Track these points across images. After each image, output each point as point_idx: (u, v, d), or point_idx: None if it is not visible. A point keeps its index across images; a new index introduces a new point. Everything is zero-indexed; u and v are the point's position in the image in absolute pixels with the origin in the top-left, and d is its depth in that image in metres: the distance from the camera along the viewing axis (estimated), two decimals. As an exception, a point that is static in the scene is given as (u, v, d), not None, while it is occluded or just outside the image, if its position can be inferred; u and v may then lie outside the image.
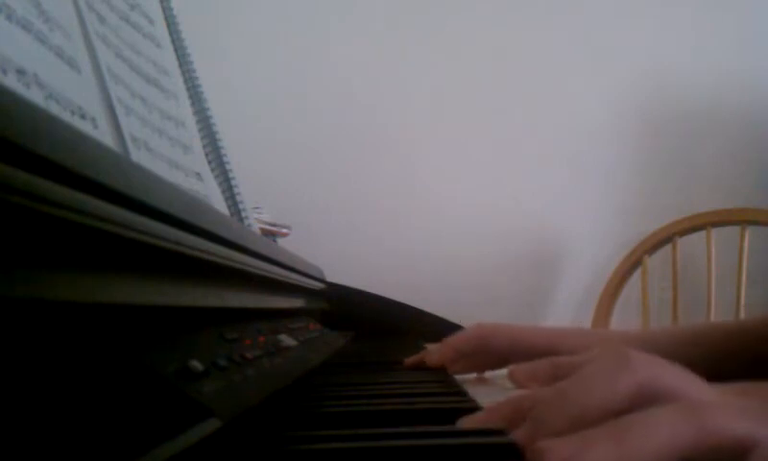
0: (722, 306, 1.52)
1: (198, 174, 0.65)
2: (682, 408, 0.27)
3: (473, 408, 0.38)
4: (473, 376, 0.71)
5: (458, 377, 0.66)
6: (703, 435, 0.26)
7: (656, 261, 1.61)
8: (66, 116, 0.39)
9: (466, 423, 0.35)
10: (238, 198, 0.79)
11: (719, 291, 1.53)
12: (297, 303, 0.79)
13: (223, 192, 0.77)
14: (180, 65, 0.73)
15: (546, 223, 1.73)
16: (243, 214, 0.79)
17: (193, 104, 0.74)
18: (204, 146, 0.75)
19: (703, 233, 1.56)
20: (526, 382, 0.52)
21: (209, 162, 0.75)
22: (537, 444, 0.26)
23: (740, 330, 0.63)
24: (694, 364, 0.32)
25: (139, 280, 0.31)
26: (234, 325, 0.47)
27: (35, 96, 0.36)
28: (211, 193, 0.68)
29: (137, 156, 0.50)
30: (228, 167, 0.78)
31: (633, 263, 1.61)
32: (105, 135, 0.45)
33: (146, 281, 0.32)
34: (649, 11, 1.73)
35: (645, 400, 0.29)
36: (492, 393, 0.58)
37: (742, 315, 1.50)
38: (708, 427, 0.26)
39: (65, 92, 0.40)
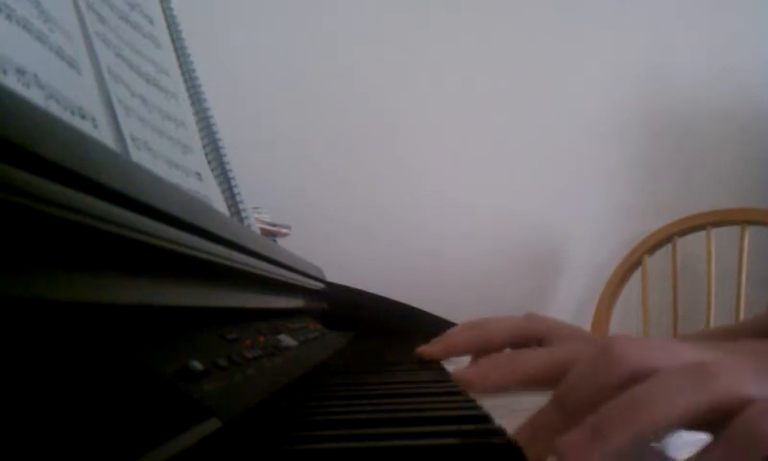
0: (722, 306, 1.52)
1: (198, 174, 0.65)
2: (691, 372, 0.26)
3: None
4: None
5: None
6: (712, 398, 0.25)
7: (656, 261, 1.61)
8: (66, 116, 0.39)
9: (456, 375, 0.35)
10: (238, 198, 0.79)
11: (719, 291, 1.53)
12: (297, 303, 0.79)
13: (223, 192, 0.77)
14: (180, 65, 0.73)
15: (546, 223, 1.73)
16: (243, 214, 0.79)
17: (193, 104, 0.74)
18: (204, 146, 0.75)
19: (703, 233, 1.56)
20: None
21: (209, 162, 0.75)
22: (556, 443, 0.26)
23: (727, 335, 0.62)
24: None
25: (139, 280, 0.31)
26: (234, 325, 0.47)
27: (35, 96, 0.36)
28: (211, 193, 0.68)
29: (137, 156, 0.50)
30: (227, 167, 0.78)
31: (633, 263, 1.61)
32: (105, 135, 0.45)
33: (146, 281, 0.32)
34: (649, 10, 1.73)
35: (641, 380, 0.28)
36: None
37: (742, 315, 1.50)
38: (721, 391, 0.25)
39: (65, 92, 0.40)
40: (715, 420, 0.26)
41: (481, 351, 0.68)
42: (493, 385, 0.34)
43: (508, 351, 0.68)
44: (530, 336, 0.66)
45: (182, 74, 0.73)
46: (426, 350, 0.71)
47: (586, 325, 1.64)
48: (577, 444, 0.25)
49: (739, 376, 0.26)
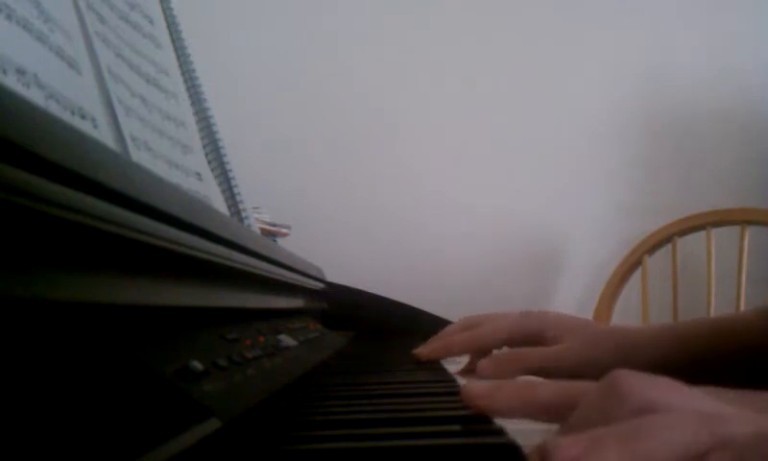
0: (722, 306, 1.52)
1: (198, 174, 0.65)
2: (699, 416, 0.27)
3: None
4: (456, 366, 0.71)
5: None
6: (712, 443, 0.26)
7: (656, 261, 1.61)
8: (66, 116, 0.39)
9: (466, 391, 0.35)
10: (238, 198, 0.79)
11: (719, 291, 1.53)
12: (297, 303, 0.79)
13: (223, 192, 0.77)
14: (180, 65, 0.73)
15: (546, 223, 1.73)
16: (243, 214, 0.79)
17: (193, 104, 0.74)
18: (204, 146, 0.75)
19: (703, 233, 1.56)
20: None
21: (209, 162, 0.75)
22: (545, 441, 0.26)
23: (723, 326, 0.62)
24: (680, 365, 0.31)
25: (139, 280, 0.31)
26: (234, 325, 0.47)
27: (35, 96, 0.36)
28: (211, 193, 0.68)
29: (137, 156, 0.50)
30: (227, 167, 0.78)
31: (633, 263, 1.61)
32: (105, 135, 0.45)
33: (146, 281, 0.32)
34: (649, 10, 1.73)
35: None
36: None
37: (742, 315, 1.49)
38: (718, 436, 0.26)
39: (65, 92, 0.40)
40: None
41: (478, 351, 0.68)
42: (498, 410, 0.34)
43: (505, 349, 0.67)
44: (527, 335, 0.66)
45: (182, 74, 0.73)
46: (423, 351, 0.71)
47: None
48: (571, 445, 0.25)
49: (742, 428, 0.26)
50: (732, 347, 0.59)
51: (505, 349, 0.68)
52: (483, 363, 0.62)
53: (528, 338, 0.66)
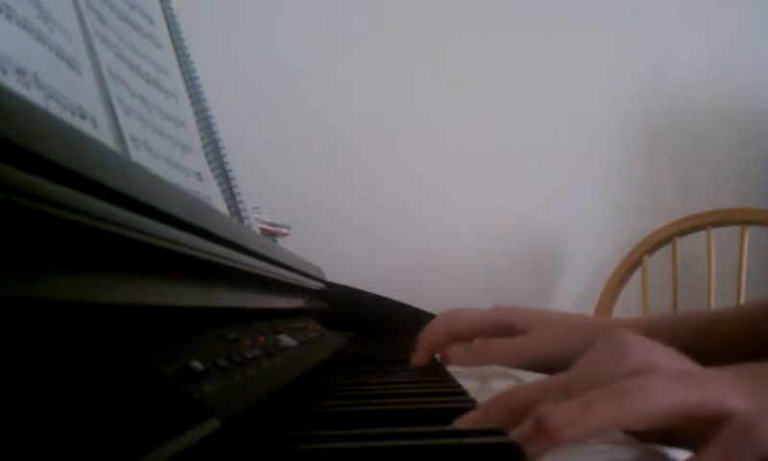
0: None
1: (198, 174, 0.65)
2: (681, 375, 0.28)
3: (474, 408, 0.38)
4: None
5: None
6: (699, 402, 0.27)
7: (656, 261, 1.61)
8: (66, 116, 0.39)
9: (460, 423, 0.35)
10: (238, 198, 0.79)
11: (719, 291, 1.53)
12: (297, 303, 0.79)
13: (223, 192, 0.77)
14: (180, 65, 0.73)
15: (546, 223, 1.73)
16: (243, 214, 0.79)
17: (193, 104, 0.74)
18: (204, 146, 0.75)
19: (703, 233, 1.56)
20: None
21: (209, 162, 0.75)
22: (538, 410, 0.27)
23: (740, 316, 0.63)
24: (696, 353, 0.33)
25: (139, 280, 0.31)
26: (234, 325, 0.47)
27: (35, 96, 0.36)
28: (211, 193, 0.68)
29: (137, 156, 0.50)
30: (227, 167, 0.78)
31: (633, 263, 1.61)
32: (105, 135, 0.45)
33: (146, 281, 0.32)
34: (649, 10, 1.73)
35: None
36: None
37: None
38: (706, 396, 0.27)
39: (65, 92, 0.40)
40: (692, 426, 0.27)
41: (453, 341, 0.70)
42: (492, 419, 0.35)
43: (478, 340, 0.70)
44: (498, 326, 0.68)
45: (182, 74, 0.73)
46: (419, 358, 0.72)
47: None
48: (562, 413, 0.26)
49: (727, 390, 0.28)
50: (735, 342, 0.60)
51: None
52: (453, 349, 0.66)
53: (499, 329, 0.68)
